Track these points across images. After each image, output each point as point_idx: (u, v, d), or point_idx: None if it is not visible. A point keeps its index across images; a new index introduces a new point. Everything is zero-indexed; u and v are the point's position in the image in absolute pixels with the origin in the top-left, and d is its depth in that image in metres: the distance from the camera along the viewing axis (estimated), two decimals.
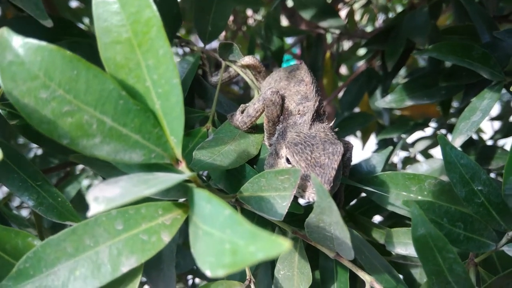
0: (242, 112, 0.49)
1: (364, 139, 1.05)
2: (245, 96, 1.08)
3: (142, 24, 0.28)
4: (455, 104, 0.93)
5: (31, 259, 0.29)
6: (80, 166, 1.03)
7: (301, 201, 0.57)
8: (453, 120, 0.90)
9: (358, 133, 1.08)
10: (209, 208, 0.25)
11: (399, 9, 1.45)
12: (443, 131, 0.89)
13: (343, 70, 1.44)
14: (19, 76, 0.25)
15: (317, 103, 0.45)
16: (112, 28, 0.28)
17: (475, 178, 0.39)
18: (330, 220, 0.32)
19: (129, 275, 0.32)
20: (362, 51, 1.14)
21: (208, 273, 0.24)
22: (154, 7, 0.27)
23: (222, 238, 0.23)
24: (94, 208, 0.23)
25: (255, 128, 0.49)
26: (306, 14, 0.81)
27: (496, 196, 0.39)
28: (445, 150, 0.41)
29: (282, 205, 0.35)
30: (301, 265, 0.41)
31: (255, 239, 0.21)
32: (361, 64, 0.92)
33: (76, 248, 0.29)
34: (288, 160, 0.41)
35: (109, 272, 0.29)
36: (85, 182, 1.34)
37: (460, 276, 0.35)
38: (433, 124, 0.92)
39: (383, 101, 0.67)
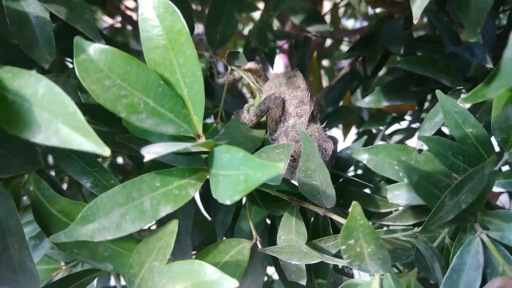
0: (248, 111, 0.59)
1: (345, 131, 1.15)
2: (233, 87, 1.24)
3: (175, 33, 0.39)
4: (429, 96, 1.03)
5: (91, 208, 0.39)
6: None
7: None
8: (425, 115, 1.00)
9: (340, 125, 1.18)
10: (228, 156, 0.35)
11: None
12: (417, 124, 0.99)
13: (325, 62, 1.56)
14: (90, 70, 0.36)
15: (312, 106, 0.55)
16: (153, 37, 0.39)
17: (466, 122, 0.48)
18: (314, 165, 0.42)
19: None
20: (343, 46, 1.24)
21: (228, 202, 0.34)
22: (183, 21, 0.38)
23: (237, 174, 0.33)
24: (148, 156, 0.33)
25: (259, 125, 0.60)
26: (296, 19, 0.93)
27: (483, 137, 0.47)
28: (442, 102, 0.50)
29: None
30: (297, 226, 0.51)
31: (261, 168, 0.31)
32: (345, 64, 1.03)
33: (126, 199, 0.39)
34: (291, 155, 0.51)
35: (151, 216, 0.39)
36: None
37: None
38: (408, 118, 1.02)
39: (363, 102, 0.78)
